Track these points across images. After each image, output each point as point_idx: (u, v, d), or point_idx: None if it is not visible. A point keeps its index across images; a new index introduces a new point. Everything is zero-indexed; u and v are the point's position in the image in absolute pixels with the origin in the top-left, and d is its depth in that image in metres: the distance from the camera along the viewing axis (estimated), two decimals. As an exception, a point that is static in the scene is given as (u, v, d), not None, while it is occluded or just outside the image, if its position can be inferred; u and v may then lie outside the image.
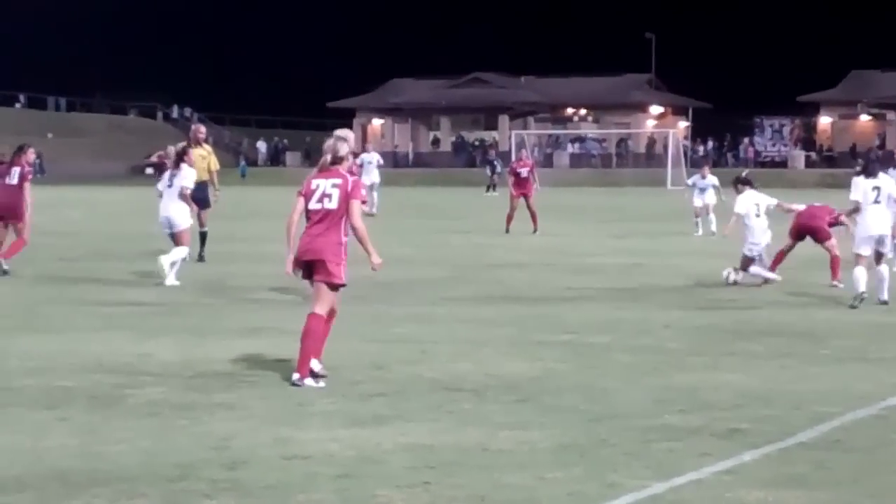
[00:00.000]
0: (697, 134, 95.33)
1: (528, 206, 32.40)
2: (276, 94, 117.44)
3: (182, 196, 19.52)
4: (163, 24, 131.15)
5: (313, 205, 11.15)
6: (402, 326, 14.84)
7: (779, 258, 19.94)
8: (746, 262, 19.56)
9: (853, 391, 10.89)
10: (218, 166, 23.88)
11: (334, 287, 11.13)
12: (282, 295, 17.49)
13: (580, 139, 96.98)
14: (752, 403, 10.33)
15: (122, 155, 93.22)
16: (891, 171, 18.95)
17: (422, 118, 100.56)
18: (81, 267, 22.46)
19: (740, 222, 19.80)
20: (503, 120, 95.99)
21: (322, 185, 11.17)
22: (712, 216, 31.49)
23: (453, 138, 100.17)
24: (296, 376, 10.97)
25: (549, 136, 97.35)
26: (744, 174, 20.70)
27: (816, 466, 8.31)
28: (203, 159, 22.71)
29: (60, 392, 10.76)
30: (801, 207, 20.44)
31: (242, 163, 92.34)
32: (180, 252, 19.38)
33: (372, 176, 40.82)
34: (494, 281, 20.39)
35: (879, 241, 16.92)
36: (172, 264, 19.12)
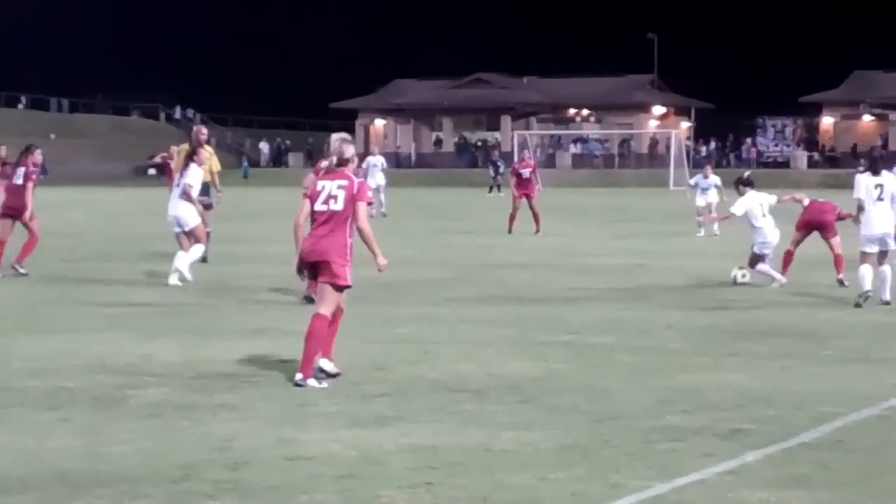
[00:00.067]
0: (700, 134, 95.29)
1: (531, 207, 32.40)
2: (278, 94, 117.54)
3: (185, 194, 19.55)
4: (165, 25, 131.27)
5: (319, 206, 11.20)
6: (405, 327, 14.84)
7: (788, 258, 19.89)
8: (755, 259, 19.50)
9: (856, 391, 10.89)
10: (219, 167, 23.89)
11: (339, 288, 11.16)
12: (284, 296, 17.49)
13: (581, 139, 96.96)
14: (755, 404, 10.32)
15: (124, 156, 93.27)
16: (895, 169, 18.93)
17: (424, 119, 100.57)
18: (84, 268, 22.47)
19: (731, 220, 19.78)
20: (505, 120, 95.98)
21: (328, 186, 11.22)
22: (714, 216, 31.47)
23: (455, 139, 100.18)
24: (299, 376, 10.99)
25: (551, 136, 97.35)
26: (745, 175, 20.64)
27: (819, 467, 8.31)
28: (205, 161, 22.68)
29: (63, 393, 10.76)
30: (805, 198, 20.38)
31: (245, 164, 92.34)
32: (198, 250, 19.49)
33: (377, 179, 40.98)
34: (497, 281, 20.39)
35: (883, 239, 16.89)
36: (191, 263, 19.34)
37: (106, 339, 13.79)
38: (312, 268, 11.31)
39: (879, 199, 16.87)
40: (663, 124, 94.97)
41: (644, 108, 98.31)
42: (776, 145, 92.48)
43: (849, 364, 12.45)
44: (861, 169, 17.90)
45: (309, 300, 16.88)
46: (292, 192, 17.04)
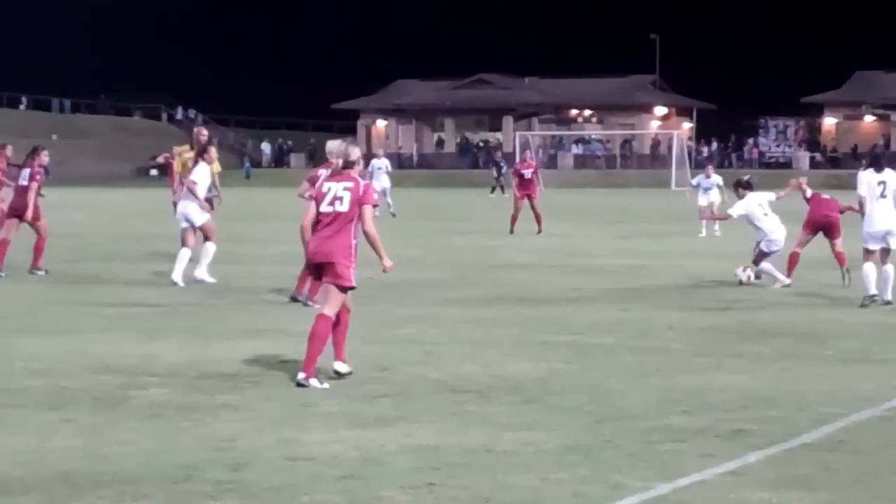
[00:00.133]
0: (702, 135, 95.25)
1: (532, 208, 32.41)
2: (280, 95, 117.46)
3: (190, 190, 19.59)
4: (167, 26, 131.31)
5: (324, 207, 11.25)
6: (407, 327, 14.85)
7: (793, 259, 19.87)
8: (761, 257, 19.44)
9: (857, 392, 10.89)
10: (220, 169, 23.88)
11: (343, 289, 11.19)
12: (286, 296, 17.48)
13: (583, 140, 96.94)
14: (757, 404, 10.32)
15: (126, 156, 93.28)
16: None
17: (426, 119, 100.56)
18: (86, 268, 22.48)
19: (728, 220, 19.77)
20: (507, 121, 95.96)
21: (334, 188, 11.28)
22: (710, 214, 31.48)
23: (457, 140, 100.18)
24: (301, 376, 11.00)
25: (553, 137, 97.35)
26: (745, 178, 20.56)
27: (820, 467, 8.31)
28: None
29: (64, 393, 10.77)
30: (807, 187, 20.33)
31: (247, 164, 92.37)
32: (211, 250, 19.57)
33: (382, 181, 41.12)
34: (498, 282, 20.40)
35: (885, 236, 16.84)
36: (208, 264, 19.59)
37: (107, 340, 13.80)
38: (317, 269, 11.35)
39: (882, 195, 16.84)
40: (665, 125, 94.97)
41: (646, 108, 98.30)
42: (778, 146, 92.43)
43: (850, 365, 12.45)
44: (864, 165, 17.83)
45: (294, 300, 16.94)
46: (294, 193, 17.04)
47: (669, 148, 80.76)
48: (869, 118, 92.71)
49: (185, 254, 19.59)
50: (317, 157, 74.77)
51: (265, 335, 14.07)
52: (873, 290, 16.65)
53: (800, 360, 12.62)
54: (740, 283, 19.38)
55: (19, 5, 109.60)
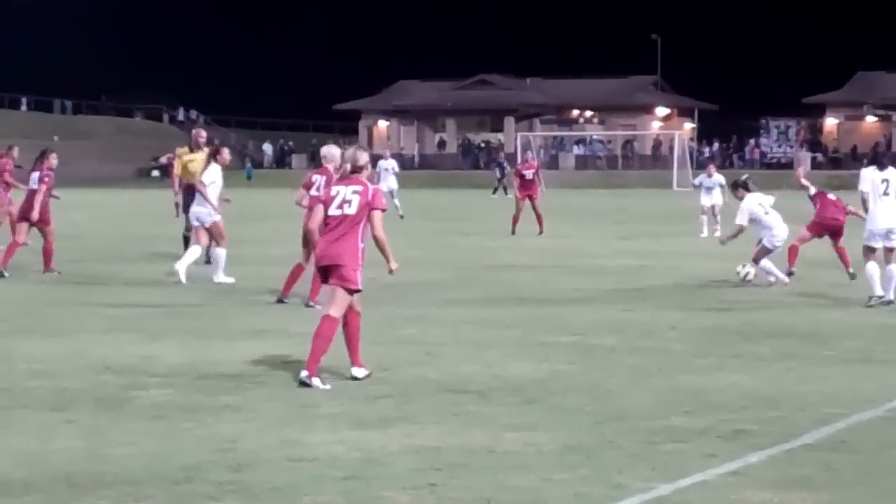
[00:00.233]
0: (703, 135, 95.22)
1: (534, 208, 32.41)
2: (281, 96, 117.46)
3: (199, 191, 19.62)
4: (168, 27, 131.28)
5: (333, 211, 11.32)
6: (408, 328, 14.85)
7: (793, 252, 19.88)
8: (762, 253, 19.41)
9: (859, 393, 10.89)
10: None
11: (349, 292, 11.21)
12: (288, 297, 17.47)
13: (584, 141, 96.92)
14: (758, 405, 10.33)
15: (128, 157, 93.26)
16: None
17: (427, 120, 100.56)
18: (88, 269, 22.49)
19: (740, 231, 19.68)
20: (509, 122, 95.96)
21: (342, 191, 11.35)
22: (718, 218, 31.51)
23: (459, 140, 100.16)
24: (304, 374, 11.02)
25: (555, 137, 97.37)
26: (742, 178, 20.46)
27: (822, 468, 8.32)
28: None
29: (66, 394, 10.78)
30: (811, 186, 20.32)
31: (248, 165, 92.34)
32: (221, 255, 19.62)
33: (389, 182, 41.21)
34: (500, 283, 20.40)
35: (888, 234, 16.82)
36: (223, 267, 19.68)
37: (109, 341, 13.80)
38: (324, 271, 11.38)
39: (885, 193, 16.84)
40: (667, 125, 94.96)
41: (647, 109, 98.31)
42: (779, 146, 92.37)
43: (852, 365, 12.45)
44: (866, 162, 17.83)
45: (280, 301, 16.96)
46: (296, 194, 17.06)
47: (671, 148, 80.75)
48: (870, 118, 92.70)
49: (195, 251, 19.69)
50: (318, 158, 74.75)
51: (267, 336, 14.08)
52: (879, 291, 16.64)
53: (801, 361, 12.62)
54: (743, 278, 19.29)
55: (20, 6, 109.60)
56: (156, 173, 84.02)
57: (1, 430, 9.47)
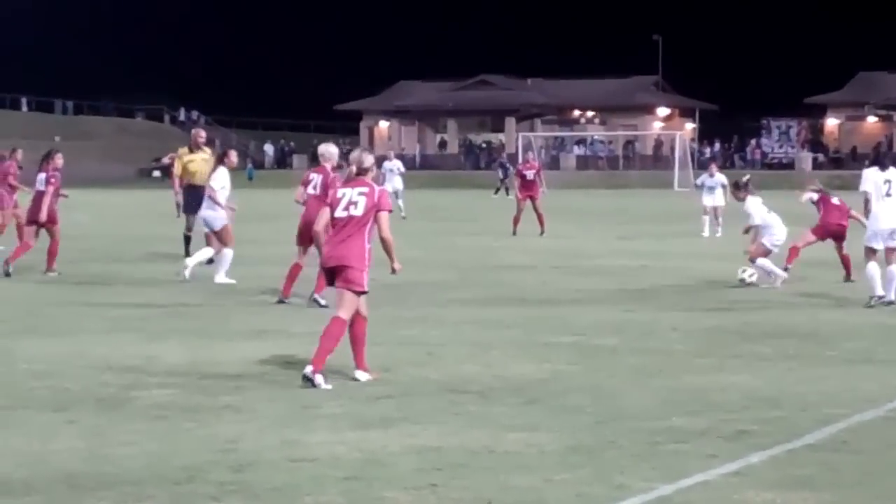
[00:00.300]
0: (704, 136, 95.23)
1: (535, 209, 32.42)
2: (282, 96, 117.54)
3: (209, 196, 19.62)
4: (169, 27, 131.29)
5: (339, 213, 11.34)
6: (409, 328, 14.85)
7: (793, 253, 19.88)
8: (761, 252, 19.39)
9: (860, 393, 10.88)
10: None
11: (356, 293, 11.22)
12: (288, 298, 17.47)
13: (584, 141, 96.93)
14: (760, 405, 10.32)
15: (129, 158, 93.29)
16: None
17: (428, 120, 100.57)
18: (89, 269, 22.49)
19: (756, 229, 19.67)
20: (510, 122, 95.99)
21: (348, 193, 11.38)
22: (720, 220, 31.54)
23: (460, 141, 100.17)
24: (308, 369, 11.02)
25: (556, 138, 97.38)
26: (744, 179, 20.41)
27: (824, 468, 8.31)
28: (205, 163, 22.66)
29: (67, 395, 10.78)
30: (815, 195, 20.30)
31: (249, 165, 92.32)
32: (228, 256, 19.60)
33: (395, 183, 41.28)
34: (501, 283, 20.39)
35: (891, 234, 16.80)
36: (224, 268, 19.64)
37: (110, 341, 13.80)
38: (330, 273, 11.37)
39: (888, 194, 16.82)
40: (668, 126, 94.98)
41: (648, 109, 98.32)
42: (781, 147, 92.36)
43: (854, 365, 12.44)
44: (868, 162, 17.82)
45: (281, 302, 16.96)
46: (295, 193, 17.07)
47: (672, 149, 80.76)
48: (871, 119, 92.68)
49: (205, 252, 19.71)
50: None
51: (268, 336, 14.08)
52: (880, 291, 16.64)
53: (803, 361, 12.62)
54: (745, 281, 19.30)
55: (22, 7, 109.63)
56: (157, 174, 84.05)
57: (2, 430, 9.47)
